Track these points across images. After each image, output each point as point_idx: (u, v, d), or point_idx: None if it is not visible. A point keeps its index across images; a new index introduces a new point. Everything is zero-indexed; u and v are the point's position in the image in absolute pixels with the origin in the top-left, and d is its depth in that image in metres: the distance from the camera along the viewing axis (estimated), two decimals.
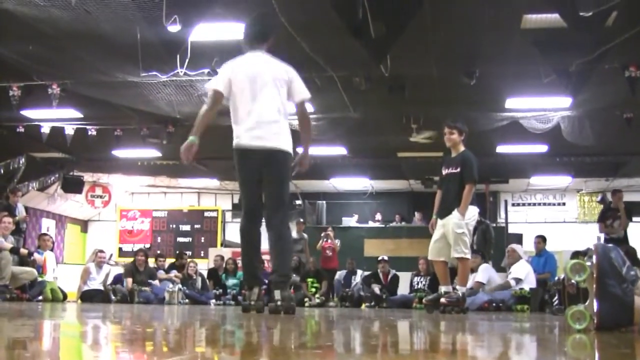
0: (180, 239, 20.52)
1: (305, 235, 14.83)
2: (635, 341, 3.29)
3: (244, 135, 5.42)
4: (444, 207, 7.55)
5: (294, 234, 14.02)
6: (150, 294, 12.17)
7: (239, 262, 12.99)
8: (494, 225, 16.32)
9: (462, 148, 7.61)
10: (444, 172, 7.70)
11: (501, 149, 15.08)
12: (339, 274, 14.40)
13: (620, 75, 9.45)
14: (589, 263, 3.55)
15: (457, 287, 7.58)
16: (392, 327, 4.67)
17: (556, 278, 10.33)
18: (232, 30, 8.53)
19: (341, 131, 13.01)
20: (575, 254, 8.76)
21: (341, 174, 18.52)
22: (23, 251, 11.32)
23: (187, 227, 20.73)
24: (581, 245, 10.38)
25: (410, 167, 17.21)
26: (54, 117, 12.74)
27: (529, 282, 11.11)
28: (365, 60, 8.93)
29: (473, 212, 7.50)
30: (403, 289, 13.44)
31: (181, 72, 9.40)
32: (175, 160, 16.49)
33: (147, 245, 18.56)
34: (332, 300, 13.80)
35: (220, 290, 13.47)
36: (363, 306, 12.90)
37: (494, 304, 10.64)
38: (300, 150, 5.86)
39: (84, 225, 22.13)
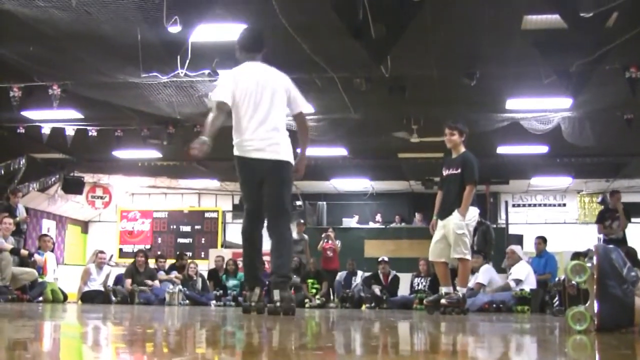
0: (181, 240, 20.51)
1: (306, 236, 14.83)
2: (636, 342, 3.29)
3: (245, 144, 5.50)
4: (445, 208, 7.55)
5: (295, 235, 14.01)
6: (150, 295, 12.18)
7: (240, 263, 13.00)
8: (495, 226, 16.32)
9: (462, 149, 7.61)
10: (445, 173, 7.70)
11: (501, 149, 15.07)
12: (340, 275, 14.39)
13: (620, 76, 9.45)
14: (589, 264, 3.55)
15: (458, 288, 7.58)
16: (392, 328, 4.67)
17: (557, 279, 10.33)
18: (233, 31, 8.51)
19: (342, 132, 13.01)
20: (576, 255, 8.75)
21: (342, 174, 18.51)
22: (23, 252, 11.33)
23: (187, 228, 20.72)
24: (582, 246, 10.38)
25: (411, 168, 17.20)
26: (55, 118, 12.75)
27: (529, 283, 11.11)
28: (365, 61, 8.93)
29: (473, 213, 7.50)
30: (403, 290, 13.44)
31: (182, 73, 9.40)
32: (175, 161, 16.52)
33: (148, 246, 18.57)
34: (333, 301, 13.80)
35: (221, 291, 13.47)
36: (363, 307, 12.90)
37: (494, 305, 10.63)
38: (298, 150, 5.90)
39: (84, 226, 22.13)
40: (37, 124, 13.14)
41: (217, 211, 20.72)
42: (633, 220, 11.78)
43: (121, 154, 15.89)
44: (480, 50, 9.78)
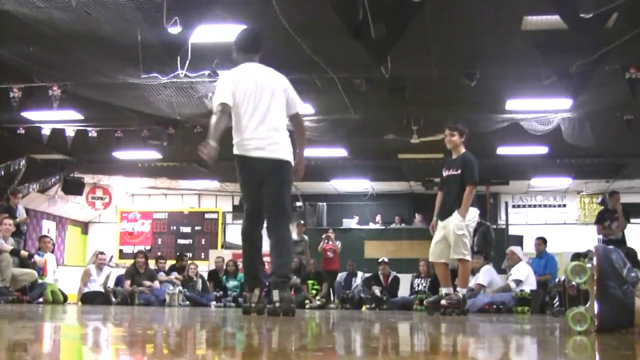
0: (181, 241, 20.50)
1: (306, 237, 14.83)
2: (636, 343, 3.28)
3: (245, 143, 5.51)
4: (445, 208, 7.55)
5: (295, 236, 14.02)
6: (150, 296, 12.17)
7: (240, 264, 13.00)
8: (495, 227, 16.32)
9: (462, 150, 7.62)
10: (445, 173, 7.70)
11: (501, 150, 15.07)
12: (340, 276, 14.39)
13: (620, 77, 9.45)
14: (589, 265, 3.55)
15: (458, 288, 7.58)
16: (392, 329, 4.67)
17: (557, 280, 10.33)
18: (233, 32, 8.48)
19: (342, 133, 13.01)
20: (576, 256, 8.74)
21: (342, 175, 18.51)
22: (23, 253, 11.32)
23: (187, 229, 20.71)
24: (582, 247, 10.37)
25: (411, 169, 17.20)
26: (55, 118, 12.75)
27: (530, 284, 11.10)
28: (365, 61, 8.93)
29: (473, 213, 7.50)
30: (403, 291, 13.43)
31: (182, 73, 9.40)
32: (175, 162, 16.52)
33: (148, 247, 18.57)
34: (333, 302, 13.80)
35: (221, 292, 13.47)
36: (363, 308, 12.89)
37: (494, 306, 10.63)
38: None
39: (84, 227, 22.12)
40: (37, 124, 13.14)
41: (217, 212, 20.72)
42: (632, 221, 11.78)
43: (121, 154, 15.89)
44: (480, 50, 9.78)
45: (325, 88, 10.52)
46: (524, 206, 20.57)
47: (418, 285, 12.87)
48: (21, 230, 12.05)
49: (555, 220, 20.01)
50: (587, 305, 3.57)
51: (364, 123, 12.61)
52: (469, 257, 7.51)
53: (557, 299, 9.29)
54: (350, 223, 18.83)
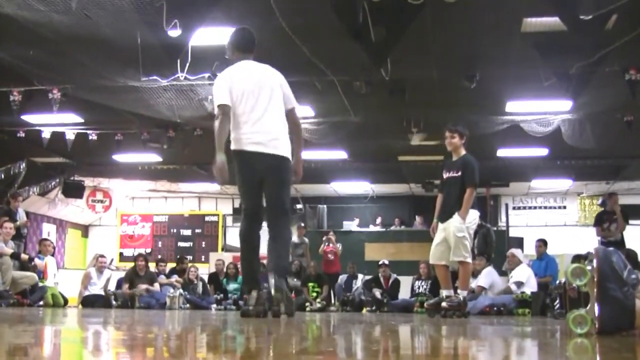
0: (181, 244, 20.50)
1: (306, 240, 14.82)
2: (637, 345, 3.28)
3: (244, 139, 5.46)
4: (445, 210, 7.55)
5: (295, 239, 14.03)
6: (151, 299, 12.15)
7: (240, 267, 12.99)
8: (495, 228, 16.29)
9: (463, 152, 7.62)
10: (445, 175, 7.70)
11: (502, 152, 15.07)
12: (340, 278, 14.38)
13: (620, 78, 9.46)
14: (589, 267, 3.55)
15: (459, 291, 7.57)
16: (393, 331, 4.66)
17: (557, 282, 10.31)
18: None
19: (342, 135, 13.02)
20: (577, 258, 8.73)
21: (342, 178, 18.51)
22: (24, 256, 11.31)
23: (187, 232, 20.69)
24: (582, 249, 10.33)
25: (411, 171, 17.20)
26: (55, 121, 12.76)
27: (530, 286, 11.10)
28: (365, 63, 8.94)
29: (474, 215, 7.50)
30: (404, 293, 13.42)
31: (182, 76, 9.41)
32: (176, 165, 16.52)
33: (148, 250, 18.57)
34: (334, 305, 13.79)
35: (221, 295, 13.46)
36: (364, 310, 12.88)
37: (495, 308, 10.62)
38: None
39: (84, 230, 22.13)
40: (37, 127, 13.15)
41: (218, 215, 20.71)
42: (631, 222, 11.77)
43: (121, 157, 15.90)
44: (480, 52, 9.78)
45: (325, 90, 10.52)
46: (524, 208, 20.57)
47: (419, 288, 12.86)
48: (21, 233, 12.04)
49: (556, 222, 20.01)
50: (588, 308, 3.56)
51: (364, 125, 12.61)
52: (469, 259, 7.51)
53: (557, 301, 9.26)
54: (351, 225, 18.81)
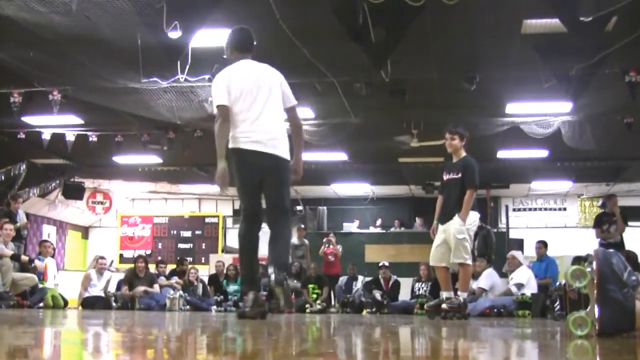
0: (181, 245, 20.50)
1: (306, 241, 14.81)
2: (637, 346, 3.28)
3: (242, 137, 5.42)
4: (445, 212, 7.54)
5: (295, 240, 14.03)
6: (151, 301, 12.15)
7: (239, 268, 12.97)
8: (495, 230, 16.28)
9: (463, 153, 7.61)
10: (445, 177, 7.69)
11: (502, 154, 15.07)
12: (341, 280, 14.38)
13: (620, 80, 9.46)
14: (589, 269, 3.54)
15: (459, 292, 7.57)
16: (393, 333, 4.66)
17: (557, 283, 10.30)
18: None
19: (342, 137, 13.02)
20: (577, 259, 8.74)
21: (342, 179, 18.51)
22: (24, 258, 11.31)
23: (188, 233, 20.70)
24: (582, 250, 10.31)
25: (411, 173, 17.20)
26: (55, 123, 12.77)
27: (530, 288, 11.10)
28: (365, 65, 8.93)
29: (474, 217, 7.49)
30: (404, 295, 13.41)
31: (182, 78, 9.41)
32: (176, 166, 16.53)
33: (148, 252, 18.56)
34: (334, 306, 13.78)
35: (222, 297, 13.45)
36: (364, 312, 12.87)
37: (495, 310, 10.62)
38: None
39: (84, 231, 22.12)
40: (37, 129, 13.15)
41: (218, 216, 20.71)
42: (631, 224, 11.76)
43: (121, 159, 15.90)
44: (480, 54, 9.79)
45: (325, 92, 10.52)
46: (524, 210, 20.57)
47: (419, 289, 12.86)
48: (21, 235, 12.04)
49: (556, 224, 20.02)
50: (588, 309, 3.56)
51: (364, 127, 12.62)
52: (469, 261, 7.50)
53: (558, 302, 9.25)
54: (351, 227, 18.80)
